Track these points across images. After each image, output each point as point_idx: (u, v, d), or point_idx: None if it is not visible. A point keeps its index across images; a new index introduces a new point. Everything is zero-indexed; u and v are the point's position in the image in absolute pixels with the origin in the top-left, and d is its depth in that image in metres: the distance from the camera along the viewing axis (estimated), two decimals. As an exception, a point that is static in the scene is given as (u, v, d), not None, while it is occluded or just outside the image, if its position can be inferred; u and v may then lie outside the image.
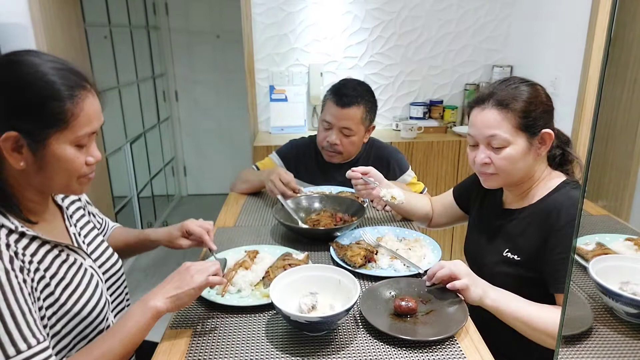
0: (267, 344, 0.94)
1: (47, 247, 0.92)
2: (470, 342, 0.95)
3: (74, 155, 0.88)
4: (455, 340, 0.94)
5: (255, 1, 2.70)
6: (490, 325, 1.12)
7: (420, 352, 0.91)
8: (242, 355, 0.91)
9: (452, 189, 1.52)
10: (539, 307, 1.03)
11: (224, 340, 0.96)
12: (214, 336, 0.97)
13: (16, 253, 0.83)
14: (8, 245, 0.83)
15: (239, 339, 0.96)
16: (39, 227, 0.94)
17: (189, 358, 0.91)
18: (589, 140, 0.64)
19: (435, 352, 0.91)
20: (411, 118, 2.90)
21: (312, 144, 1.89)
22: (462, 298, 1.04)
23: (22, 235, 0.88)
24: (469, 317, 0.97)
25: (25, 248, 0.87)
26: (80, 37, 2.51)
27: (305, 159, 1.87)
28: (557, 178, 1.17)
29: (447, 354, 0.91)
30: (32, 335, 0.79)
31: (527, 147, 1.13)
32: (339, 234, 1.36)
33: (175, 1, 4.14)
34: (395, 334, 0.92)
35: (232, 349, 0.93)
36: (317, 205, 1.56)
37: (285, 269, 1.11)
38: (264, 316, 1.03)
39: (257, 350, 0.92)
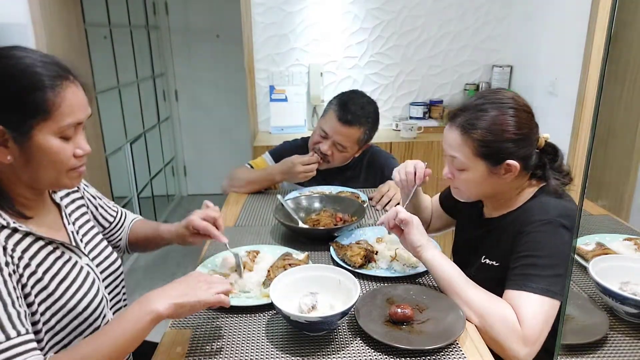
0: (267, 344, 0.94)
1: (40, 243, 0.92)
2: (471, 343, 0.95)
3: (59, 147, 0.88)
4: (456, 342, 0.94)
5: (255, 1, 2.70)
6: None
7: (418, 357, 0.91)
8: (242, 355, 0.91)
9: (438, 194, 1.52)
10: (470, 283, 1.04)
11: (224, 340, 0.96)
12: (214, 336, 0.97)
13: (4, 248, 0.83)
14: None
15: (239, 339, 0.96)
16: (33, 222, 0.94)
17: (189, 358, 0.91)
18: (589, 140, 0.64)
19: (434, 356, 0.91)
20: (411, 118, 2.90)
21: (305, 147, 1.89)
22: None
23: (15, 230, 0.88)
24: (465, 327, 0.96)
25: (16, 244, 0.87)
26: (80, 37, 2.51)
27: None
28: (535, 187, 1.14)
29: (448, 354, 0.91)
30: (12, 327, 0.78)
31: (486, 174, 1.12)
32: (339, 234, 1.36)
33: (175, 1, 4.14)
34: (390, 342, 0.90)
35: (232, 349, 0.93)
36: (317, 205, 1.56)
37: (285, 269, 1.11)
38: (264, 316, 1.03)
39: (257, 350, 0.92)
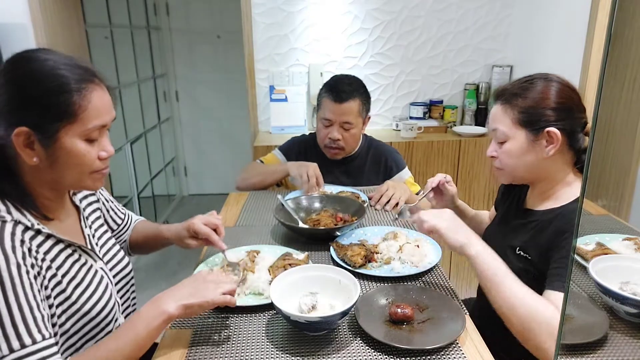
0: (267, 344, 0.94)
1: (60, 245, 0.93)
2: (471, 343, 0.95)
3: (84, 150, 0.89)
4: (456, 342, 0.94)
5: (255, 1, 2.70)
6: (492, 322, 1.12)
7: (418, 357, 0.91)
8: (242, 355, 0.91)
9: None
10: (518, 282, 1.00)
11: (224, 340, 0.96)
12: (214, 336, 0.97)
13: (30, 250, 0.84)
14: (22, 242, 0.84)
15: (239, 339, 0.96)
16: (54, 225, 0.95)
17: (189, 358, 0.91)
18: (589, 140, 0.65)
19: (434, 356, 0.91)
20: (411, 118, 2.90)
21: (312, 141, 1.93)
22: (464, 309, 1.03)
23: (38, 232, 0.89)
24: (465, 327, 0.96)
25: (39, 245, 0.88)
26: (80, 37, 2.52)
27: (307, 155, 1.90)
28: None
29: (448, 354, 0.91)
30: (37, 330, 0.80)
31: (527, 144, 1.12)
32: (339, 233, 1.36)
33: (176, 1, 4.15)
34: (390, 342, 0.90)
35: (232, 349, 0.93)
36: (317, 205, 1.56)
37: (285, 269, 1.11)
38: (264, 316, 1.03)
39: (257, 350, 0.92)
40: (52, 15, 2.20)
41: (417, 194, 1.84)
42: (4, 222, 0.83)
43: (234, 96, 4.30)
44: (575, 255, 1.23)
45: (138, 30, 3.76)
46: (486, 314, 1.23)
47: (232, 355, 0.91)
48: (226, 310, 1.05)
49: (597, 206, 1.56)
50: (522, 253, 1.15)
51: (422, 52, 2.87)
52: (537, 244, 1.11)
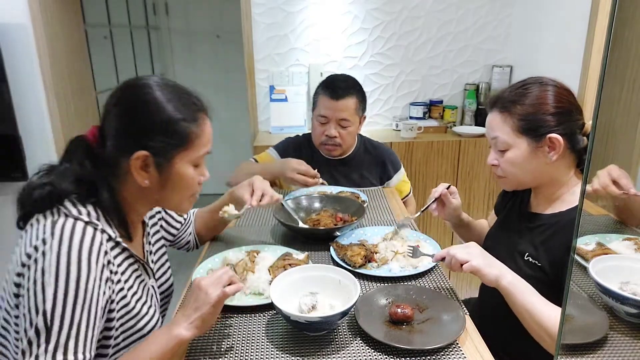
0: (267, 344, 0.94)
1: (130, 260, 0.95)
2: (471, 343, 0.95)
3: (192, 174, 0.96)
4: (456, 342, 0.94)
5: (255, 1, 2.70)
6: (492, 322, 1.12)
7: (418, 357, 0.91)
8: (242, 355, 0.91)
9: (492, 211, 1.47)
10: (549, 305, 0.99)
11: (223, 340, 0.96)
12: (214, 336, 0.97)
13: (109, 262, 0.87)
14: (106, 253, 0.86)
15: (239, 339, 0.96)
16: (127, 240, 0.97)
17: (189, 358, 0.91)
18: (589, 140, 0.65)
19: (434, 356, 0.91)
20: (411, 118, 2.90)
21: (307, 141, 1.94)
22: (464, 309, 1.03)
23: (117, 244, 0.91)
24: (465, 327, 0.95)
25: (115, 257, 0.90)
26: (80, 37, 2.52)
27: (302, 155, 1.88)
28: None
29: (448, 354, 0.91)
30: (83, 350, 0.79)
31: (530, 151, 1.10)
32: (339, 233, 1.36)
33: (176, 1, 4.14)
34: (390, 342, 0.90)
35: (232, 349, 0.93)
36: (317, 205, 1.56)
37: (285, 269, 1.11)
38: (264, 316, 1.03)
39: (257, 351, 0.92)
40: (52, 15, 2.19)
41: (408, 194, 1.91)
42: (96, 229, 0.86)
43: (234, 96, 4.30)
44: (575, 255, 1.23)
45: (137, 30, 3.76)
46: (486, 314, 1.24)
47: (232, 355, 0.91)
48: (226, 310, 1.04)
49: (597, 206, 1.56)
50: (530, 259, 1.13)
51: (422, 52, 2.87)
52: (548, 251, 1.09)
